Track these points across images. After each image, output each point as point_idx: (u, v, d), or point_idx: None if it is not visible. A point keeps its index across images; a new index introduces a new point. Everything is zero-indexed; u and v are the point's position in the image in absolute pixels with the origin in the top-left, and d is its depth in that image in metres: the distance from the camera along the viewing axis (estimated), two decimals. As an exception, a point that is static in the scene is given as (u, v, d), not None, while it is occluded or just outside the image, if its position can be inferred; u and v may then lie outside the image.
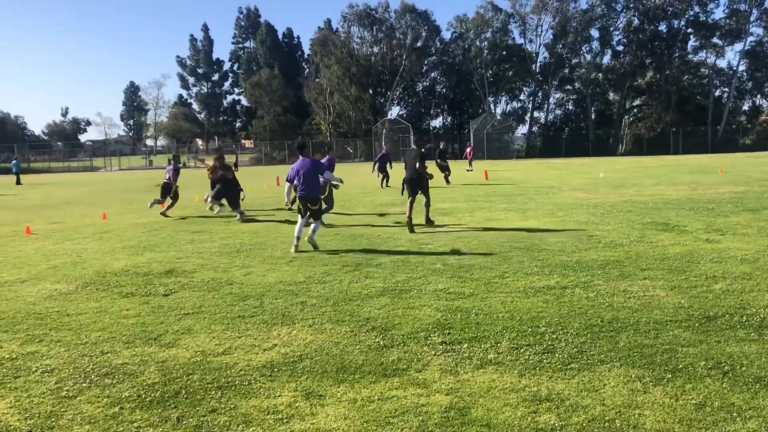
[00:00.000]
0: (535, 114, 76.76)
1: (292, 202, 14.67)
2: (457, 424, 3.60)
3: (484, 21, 70.35)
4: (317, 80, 75.65)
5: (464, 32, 72.47)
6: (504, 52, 71.71)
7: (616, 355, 4.62)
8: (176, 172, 16.15)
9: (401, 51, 71.55)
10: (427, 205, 12.27)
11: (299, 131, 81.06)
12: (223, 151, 17.30)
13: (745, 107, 73.21)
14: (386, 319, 5.73)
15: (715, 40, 69.33)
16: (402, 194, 15.76)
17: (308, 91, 74.76)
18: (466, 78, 72.63)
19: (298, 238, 9.71)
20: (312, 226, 10.05)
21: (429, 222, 12.20)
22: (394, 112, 76.24)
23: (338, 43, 71.80)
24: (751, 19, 67.13)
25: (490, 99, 74.56)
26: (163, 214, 15.50)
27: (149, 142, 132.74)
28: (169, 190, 15.79)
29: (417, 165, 11.78)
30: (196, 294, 6.97)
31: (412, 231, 11.33)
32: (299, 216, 10.10)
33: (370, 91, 73.51)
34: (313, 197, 10.07)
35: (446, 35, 74.50)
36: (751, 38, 68.41)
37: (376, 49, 73.52)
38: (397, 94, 75.10)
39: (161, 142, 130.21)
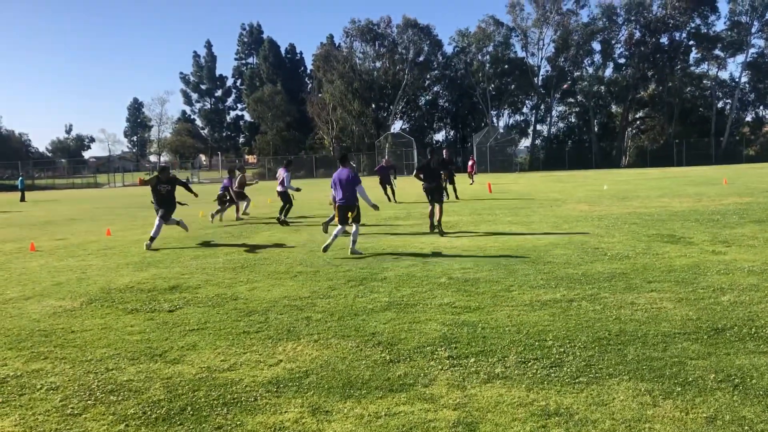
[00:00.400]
0: (538, 127, 76.99)
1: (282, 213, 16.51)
2: (466, 439, 3.56)
3: (486, 35, 70.67)
4: (320, 95, 75.96)
5: (466, 46, 72.78)
6: (506, 66, 71.94)
7: (625, 368, 4.58)
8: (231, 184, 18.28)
9: (403, 65, 71.90)
10: (440, 212, 13.26)
11: (302, 146, 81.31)
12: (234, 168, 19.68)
13: (748, 118, 73.30)
14: (392, 333, 5.70)
15: (716, 51, 69.60)
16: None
17: (311, 106, 75.05)
18: (469, 92, 72.89)
19: (331, 243, 10.74)
20: (351, 237, 10.82)
21: (440, 228, 13.00)
22: (397, 126, 76.49)
23: (341, 58, 72.17)
24: (753, 30, 67.39)
25: (493, 112, 74.76)
26: (239, 218, 18.18)
27: (152, 158, 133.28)
28: (224, 200, 18.01)
29: (442, 174, 13.41)
30: (200, 310, 6.96)
31: (441, 234, 12.74)
32: (339, 224, 11.03)
33: (373, 106, 73.75)
34: (351, 205, 10.93)
35: (448, 49, 74.90)
36: (752, 50, 68.67)
37: (378, 64, 73.92)
38: (400, 108, 75.32)
39: (165, 158, 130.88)
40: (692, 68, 71.41)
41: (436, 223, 13.17)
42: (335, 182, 11.00)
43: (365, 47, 72.57)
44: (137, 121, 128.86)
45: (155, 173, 14.68)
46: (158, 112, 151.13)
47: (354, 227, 10.97)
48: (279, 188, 16.80)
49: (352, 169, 11.15)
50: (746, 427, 3.55)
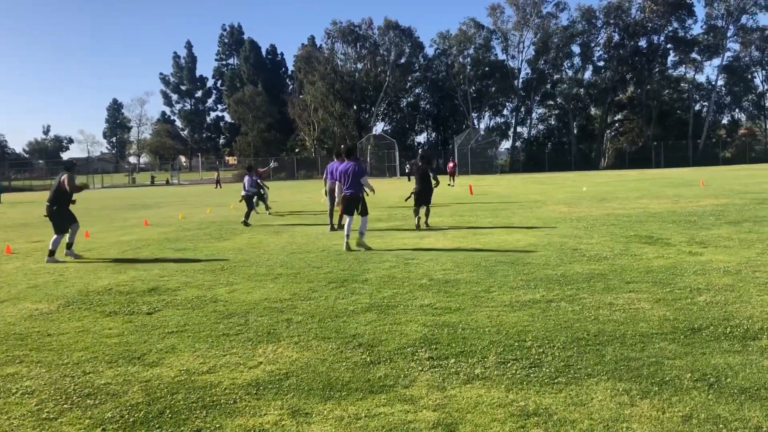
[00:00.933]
0: (519, 129, 77.56)
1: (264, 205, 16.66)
2: (445, 440, 3.57)
3: (467, 37, 71.07)
4: (301, 97, 75.81)
5: (447, 48, 73.12)
6: (487, 68, 72.39)
7: (603, 368, 4.62)
8: (255, 180, 18.42)
9: (385, 67, 72.02)
10: (427, 213, 14.55)
11: (283, 147, 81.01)
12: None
13: (725, 121, 74.41)
14: (373, 335, 5.70)
15: (693, 55, 70.63)
16: (406, 200, 17.61)
17: (292, 108, 74.87)
18: (450, 94, 73.22)
19: (348, 236, 11.10)
20: (360, 229, 11.33)
21: (427, 226, 14.31)
22: (379, 127, 76.62)
23: (322, 59, 72.11)
24: (728, 34, 68.45)
25: (474, 114, 75.15)
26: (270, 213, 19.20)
27: (132, 159, 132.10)
28: (251, 199, 17.95)
29: (431, 177, 14.29)
30: (179, 312, 6.90)
31: (419, 229, 13.92)
32: (347, 217, 11.42)
33: (355, 107, 73.76)
34: (357, 197, 11.45)
35: (429, 51, 75.16)
36: (728, 53, 69.75)
37: (360, 66, 73.96)
38: (382, 109, 75.43)
39: (144, 159, 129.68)
40: (670, 71, 72.42)
41: (422, 225, 14.25)
42: (340, 175, 11.52)
43: (346, 49, 72.69)
44: (116, 122, 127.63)
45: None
46: (138, 113, 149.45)
47: (362, 220, 11.48)
48: (243, 192, 17.77)
49: (358, 162, 11.71)
50: (721, 425, 3.59)
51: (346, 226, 11.31)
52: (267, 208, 20.24)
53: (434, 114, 77.33)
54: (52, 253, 11.23)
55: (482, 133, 72.22)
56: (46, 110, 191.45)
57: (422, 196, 14.25)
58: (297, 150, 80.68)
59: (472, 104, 73.32)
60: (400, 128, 76.71)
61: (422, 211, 14.38)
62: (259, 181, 18.82)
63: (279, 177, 72.49)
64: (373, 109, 74.04)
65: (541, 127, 78.20)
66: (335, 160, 14.46)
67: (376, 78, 72.12)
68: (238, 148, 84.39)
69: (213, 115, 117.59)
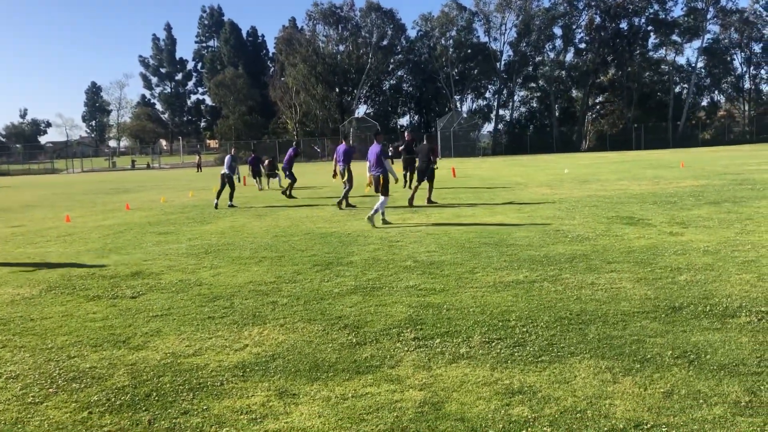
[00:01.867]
0: (501, 112, 77.66)
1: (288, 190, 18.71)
2: (432, 419, 3.61)
3: (449, 19, 70.78)
4: (283, 79, 75.15)
5: (429, 30, 72.81)
6: (469, 51, 72.25)
7: (586, 346, 4.69)
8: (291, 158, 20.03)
9: (367, 49, 71.58)
10: (431, 189, 15.56)
11: (265, 131, 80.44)
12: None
13: (704, 103, 75.08)
14: (358, 316, 5.73)
15: (674, 37, 70.99)
16: (405, 184, 19.84)
17: (273, 90, 74.28)
18: (432, 76, 73.02)
19: (381, 212, 11.99)
20: (378, 204, 11.94)
21: (431, 202, 15.39)
22: (362, 110, 76.30)
23: (303, 41, 71.50)
24: (708, 17, 68.83)
25: (456, 97, 75.03)
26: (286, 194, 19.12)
27: (112, 143, 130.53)
28: (287, 170, 19.58)
29: (431, 157, 15.10)
30: (164, 296, 6.88)
31: (411, 206, 14.80)
32: (380, 195, 12.21)
33: (337, 90, 73.35)
34: (379, 176, 12.36)
35: (412, 33, 74.79)
36: (708, 35, 70.20)
37: (341, 48, 73.44)
38: (364, 92, 75.09)
39: (124, 142, 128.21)
40: (651, 53, 72.76)
41: (420, 202, 15.33)
42: (370, 157, 12.78)
43: (328, 30, 72.03)
44: (95, 105, 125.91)
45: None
46: (117, 96, 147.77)
47: (381, 198, 12.04)
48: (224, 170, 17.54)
49: (383, 145, 12.94)
50: (701, 401, 3.67)
51: (377, 205, 12.08)
52: (284, 188, 19.97)
53: (417, 96, 77.16)
54: None
55: (465, 115, 72.17)
56: (22, 94, 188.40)
57: (425, 173, 15.23)
58: (279, 133, 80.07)
59: (454, 87, 73.18)
60: (382, 111, 76.49)
61: (424, 186, 15.46)
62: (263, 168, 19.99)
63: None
64: (355, 91, 73.64)
65: (523, 109, 78.43)
66: (342, 143, 16.51)
67: (358, 60, 71.69)
68: (218, 131, 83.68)
69: (193, 98, 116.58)
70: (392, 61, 74.42)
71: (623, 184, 18.96)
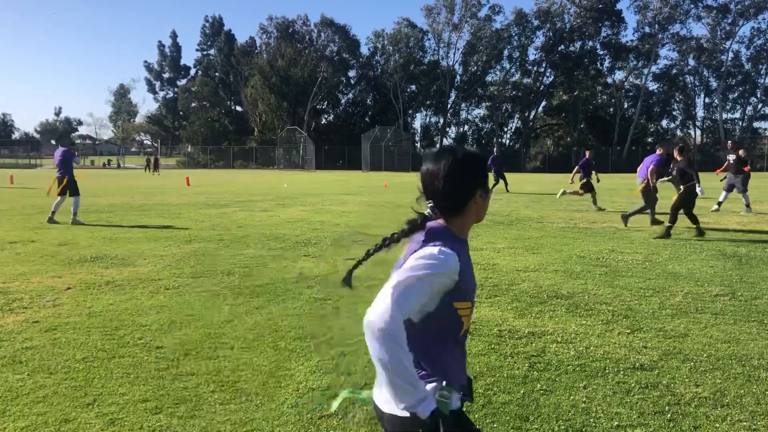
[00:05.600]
0: (450, 129, 78.58)
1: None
2: None
3: (401, 37, 72.41)
4: (246, 89, 78.34)
5: (382, 47, 74.64)
6: (421, 68, 73.62)
7: None
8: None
9: (321, 64, 73.77)
10: None
11: (235, 136, 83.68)
12: None
13: (653, 128, 74.35)
14: None
15: (625, 62, 70.80)
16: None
17: (245, 99, 77.65)
18: (384, 92, 74.73)
19: None
20: None
21: None
22: (319, 122, 78.48)
23: (258, 53, 74.45)
24: (660, 42, 68.50)
25: (408, 113, 76.48)
26: None
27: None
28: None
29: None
30: None
31: None
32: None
33: (289, 102, 75.71)
34: None
35: (365, 50, 76.75)
36: (662, 60, 69.97)
37: (296, 61, 75.91)
38: (320, 105, 77.37)
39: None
40: (602, 77, 72.62)
41: None
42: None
43: (282, 44, 74.47)
44: (121, 107, 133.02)
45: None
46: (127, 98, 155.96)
47: None
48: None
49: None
50: None
51: None
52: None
53: (372, 110, 78.94)
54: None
55: (418, 131, 73.58)
56: (56, 93, 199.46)
57: None
58: (245, 141, 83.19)
59: (406, 103, 74.69)
60: (340, 123, 78.58)
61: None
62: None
63: (218, 166, 75.36)
64: (309, 104, 76.02)
65: (471, 127, 79.13)
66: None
67: (312, 74, 73.98)
68: (184, 135, 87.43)
69: (195, 104, 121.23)
70: (347, 76, 76.58)
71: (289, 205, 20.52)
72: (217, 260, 9.03)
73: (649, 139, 72.92)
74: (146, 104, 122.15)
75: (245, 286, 7.34)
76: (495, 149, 29.48)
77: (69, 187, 13.56)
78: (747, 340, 5.31)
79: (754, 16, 65.86)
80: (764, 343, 5.23)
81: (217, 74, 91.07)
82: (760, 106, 69.75)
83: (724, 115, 71.13)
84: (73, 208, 13.53)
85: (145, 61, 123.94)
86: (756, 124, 71.59)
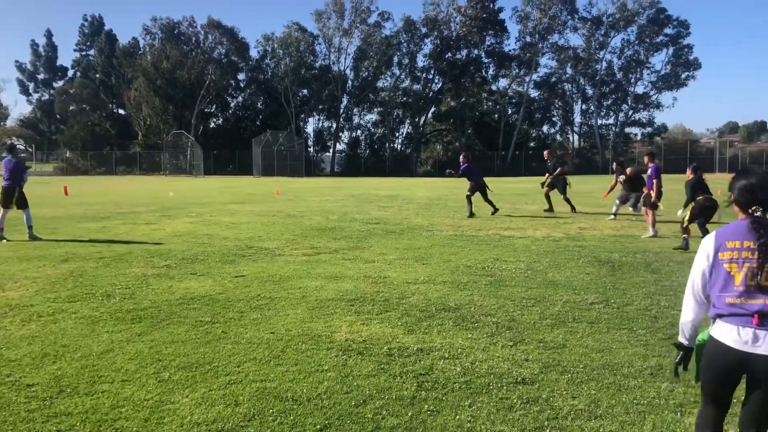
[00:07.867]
0: (344, 134, 78.89)
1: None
2: None
3: (292, 41, 71.77)
4: (129, 92, 74.94)
5: (272, 51, 73.73)
6: (312, 72, 73.26)
7: None
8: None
9: (209, 66, 71.77)
10: None
11: (118, 141, 79.85)
12: None
13: (535, 133, 78.09)
14: None
15: (509, 70, 73.89)
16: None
17: (127, 102, 74.08)
18: (275, 96, 73.79)
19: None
20: None
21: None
22: (208, 125, 76.39)
23: (142, 55, 71.52)
24: (540, 51, 71.97)
25: (301, 117, 75.96)
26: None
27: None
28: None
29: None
30: None
31: None
32: None
33: (175, 105, 73.16)
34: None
35: (255, 53, 75.47)
36: (542, 69, 73.57)
37: (182, 63, 73.50)
38: (208, 108, 75.31)
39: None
40: (487, 84, 75.35)
41: None
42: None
43: (167, 46, 71.87)
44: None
45: None
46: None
47: None
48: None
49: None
50: None
51: None
52: None
53: (263, 114, 77.79)
54: None
55: (310, 136, 73.17)
56: None
57: None
58: (128, 146, 79.60)
59: (298, 107, 74.13)
60: (230, 127, 76.82)
61: None
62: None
63: (99, 172, 71.61)
64: (197, 107, 73.77)
65: (365, 132, 79.72)
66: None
67: (199, 76, 71.80)
68: (62, 140, 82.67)
69: (74, 106, 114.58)
70: (236, 79, 75.01)
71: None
72: (96, 281, 8.58)
73: (532, 144, 76.44)
74: (19, 106, 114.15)
75: (126, 310, 7.02)
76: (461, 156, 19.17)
77: (19, 201, 13.09)
78: (618, 349, 5.67)
79: (624, 28, 70.88)
80: (633, 351, 5.60)
81: (97, 76, 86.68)
82: (630, 112, 74.95)
83: (599, 121, 75.96)
84: (27, 222, 13.02)
85: (17, 61, 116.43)
86: (627, 130, 76.89)
